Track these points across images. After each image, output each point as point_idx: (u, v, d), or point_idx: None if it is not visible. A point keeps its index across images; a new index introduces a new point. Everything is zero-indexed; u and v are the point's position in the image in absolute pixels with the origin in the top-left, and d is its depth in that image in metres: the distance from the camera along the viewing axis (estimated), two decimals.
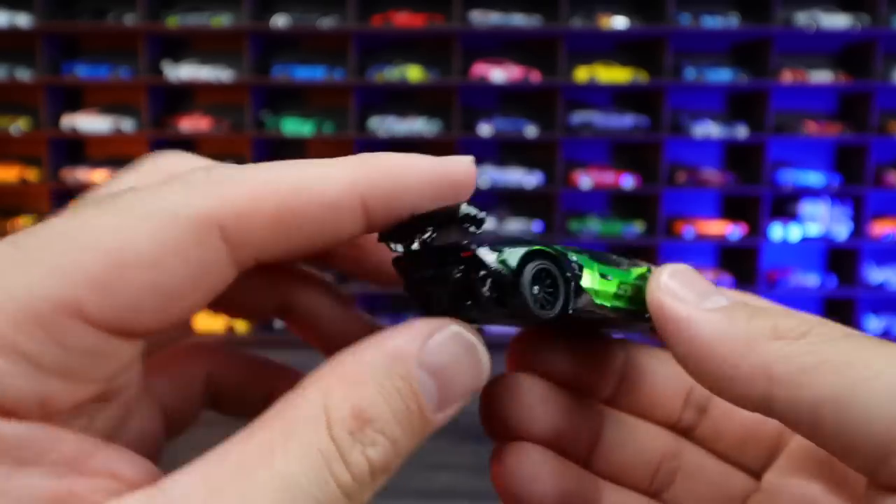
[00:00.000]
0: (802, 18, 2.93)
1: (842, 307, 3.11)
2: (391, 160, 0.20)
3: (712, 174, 3.02)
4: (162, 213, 0.16)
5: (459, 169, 0.21)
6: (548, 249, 0.21)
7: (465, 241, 0.20)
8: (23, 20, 2.96)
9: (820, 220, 3.05)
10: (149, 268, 0.16)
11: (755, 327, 0.19)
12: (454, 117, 3.00)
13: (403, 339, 0.18)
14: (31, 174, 3.08)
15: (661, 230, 3.01)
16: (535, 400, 0.23)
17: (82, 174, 3.03)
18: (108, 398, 0.17)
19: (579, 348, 0.24)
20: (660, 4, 2.96)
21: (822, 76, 2.99)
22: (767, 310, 0.20)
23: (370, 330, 0.21)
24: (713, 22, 2.96)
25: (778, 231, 3.02)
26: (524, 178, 3.03)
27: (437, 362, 0.18)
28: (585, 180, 3.02)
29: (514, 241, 0.21)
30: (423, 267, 0.21)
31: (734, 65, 3.11)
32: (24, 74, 3.02)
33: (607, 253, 0.24)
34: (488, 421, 0.24)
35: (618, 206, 3.24)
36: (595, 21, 2.98)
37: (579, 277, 0.22)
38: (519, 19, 2.99)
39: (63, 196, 3.09)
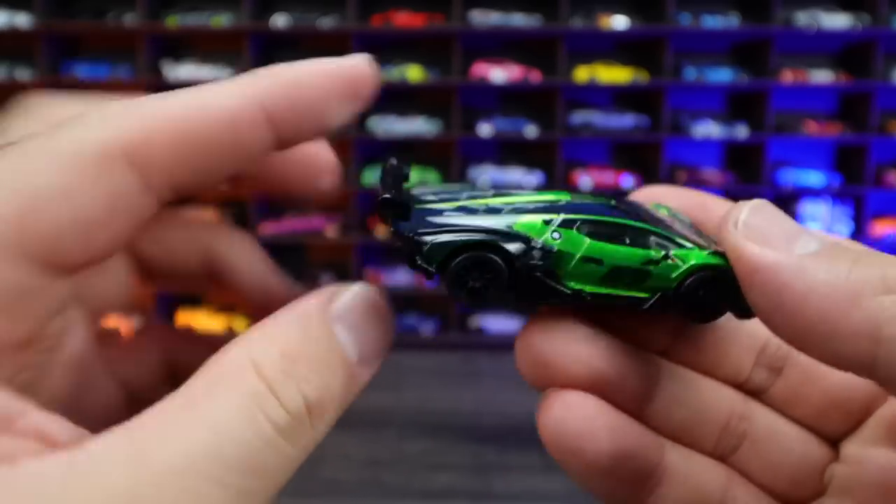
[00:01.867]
0: (802, 18, 2.93)
1: None
2: (287, 69, 0.20)
3: (712, 174, 3.02)
4: (68, 149, 0.16)
5: (356, 68, 0.21)
6: (487, 240, 0.21)
7: (410, 232, 0.21)
8: (23, 20, 2.96)
9: (820, 220, 3.05)
10: (63, 201, 0.16)
11: (861, 277, 0.16)
12: (454, 117, 3.00)
13: (317, 299, 0.19)
14: None
15: None
16: (579, 339, 0.21)
17: None
18: (41, 346, 0.17)
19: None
20: (660, 4, 2.96)
21: (822, 76, 2.99)
22: (872, 256, 0.17)
23: (293, 294, 0.21)
24: (713, 22, 2.96)
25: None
26: (524, 178, 3.03)
27: (350, 318, 0.19)
28: (585, 180, 3.02)
29: (475, 214, 0.21)
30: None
31: (734, 65, 3.11)
32: (24, 74, 3.02)
33: (637, 225, 0.22)
34: (528, 363, 0.21)
35: None
36: (595, 21, 2.98)
37: (536, 264, 0.21)
38: (519, 19, 2.99)
39: None
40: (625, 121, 3.03)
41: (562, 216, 0.21)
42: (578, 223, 0.21)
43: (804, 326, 0.17)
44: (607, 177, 3.03)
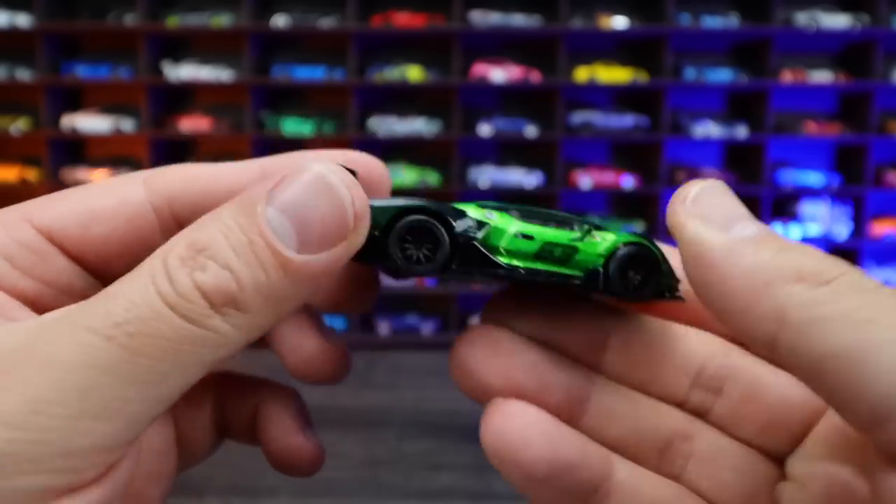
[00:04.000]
0: (802, 18, 2.93)
1: None
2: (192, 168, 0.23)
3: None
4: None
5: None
6: (429, 206, 0.22)
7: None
8: (23, 20, 2.96)
9: (820, 220, 3.05)
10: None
11: (779, 264, 0.18)
12: (454, 117, 3.00)
13: (258, 186, 0.18)
14: (31, 174, 3.08)
15: (662, 230, 3.01)
16: (500, 352, 0.22)
17: (82, 174, 3.03)
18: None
19: (558, 310, 0.24)
20: (660, 4, 2.96)
21: (822, 76, 2.99)
22: (796, 249, 0.18)
23: (316, 450, 0.25)
24: (713, 22, 2.96)
25: (778, 231, 3.02)
26: (524, 178, 3.03)
27: (289, 200, 0.18)
28: (585, 180, 3.02)
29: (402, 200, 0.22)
30: None
31: (734, 65, 3.11)
32: (24, 74, 3.02)
33: (559, 214, 0.24)
34: (460, 374, 0.22)
35: (618, 206, 3.24)
36: (595, 21, 2.98)
37: (474, 236, 0.22)
38: (519, 19, 2.99)
39: None
40: (625, 121, 3.03)
41: (493, 203, 0.24)
42: (509, 209, 0.24)
43: (724, 303, 0.18)
44: (607, 177, 3.03)
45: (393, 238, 0.21)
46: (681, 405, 0.23)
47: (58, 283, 0.20)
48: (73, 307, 0.17)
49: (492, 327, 0.23)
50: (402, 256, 0.21)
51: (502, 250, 0.22)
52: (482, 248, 0.22)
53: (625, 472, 0.22)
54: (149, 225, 0.21)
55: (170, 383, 0.17)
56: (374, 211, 0.21)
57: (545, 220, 0.24)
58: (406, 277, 0.24)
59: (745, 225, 0.19)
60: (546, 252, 0.23)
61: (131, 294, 0.17)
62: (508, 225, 0.23)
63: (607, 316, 0.24)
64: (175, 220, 0.21)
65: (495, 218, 0.23)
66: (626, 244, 0.23)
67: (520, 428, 0.21)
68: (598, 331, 0.23)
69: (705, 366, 0.23)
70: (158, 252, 0.17)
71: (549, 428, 0.21)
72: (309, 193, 0.18)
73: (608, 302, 0.24)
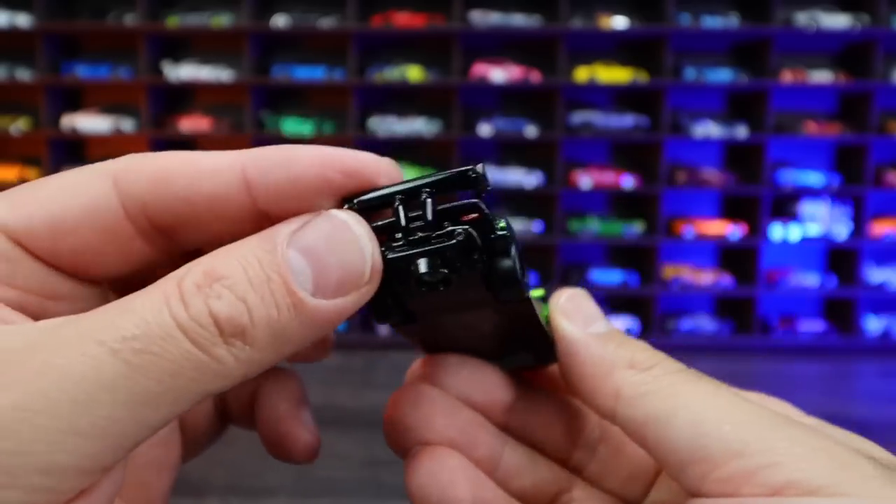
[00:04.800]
0: (802, 18, 2.93)
1: (842, 307, 3.11)
2: (281, 149, 0.21)
3: (712, 174, 3.02)
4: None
5: (360, 162, 0.20)
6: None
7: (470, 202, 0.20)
8: (23, 20, 2.96)
9: (820, 220, 3.05)
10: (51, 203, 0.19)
11: (618, 355, 0.23)
12: (454, 117, 3.00)
13: (282, 225, 0.19)
14: (32, 174, 3.08)
15: (661, 230, 3.01)
16: (446, 410, 0.25)
17: None
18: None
19: (476, 371, 0.26)
20: (660, 4, 2.96)
21: (822, 76, 2.99)
22: (630, 343, 0.24)
23: (311, 438, 0.26)
24: (713, 22, 2.96)
25: (778, 231, 3.02)
26: (524, 178, 3.03)
27: (311, 244, 0.18)
28: (585, 180, 3.02)
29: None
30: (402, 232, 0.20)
31: (734, 65, 3.11)
32: (24, 74, 3.02)
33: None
34: (400, 431, 0.25)
35: (618, 206, 3.24)
36: (595, 21, 2.98)
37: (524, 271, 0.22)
38: (519, 19, 2.99)
39: None
40: (625, 121, 3.03)
41: None
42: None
43: (581, 383, 0.24)
44: (607, 177, 3.03)
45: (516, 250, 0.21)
46: (566, 464, 0.27)
47: (40, 289, 0.20)
48: (77, 317, 0.17)
49: (427, 386, 0.25)
50: (521, 271, 0.21)
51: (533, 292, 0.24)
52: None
53: None
54: (123, 230, 0.20)
55: (161, 410, 0.17)
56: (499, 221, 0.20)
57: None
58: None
59: (599, 324, 0.25)
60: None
61: (143, 312, 0.16)
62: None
63: (511, 381, 0.27)
64: (150, 224, 0.20)
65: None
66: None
67: (449, 471, 0.24)
68: (506, 395, 0.26)
69: (585, 426, 0.27)
70: (174, 275, 0.17)
71: (473, 475, 0.24)
72: (331, 240, 0.18)
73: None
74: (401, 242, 0.20)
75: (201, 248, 0.21)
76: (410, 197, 0.20)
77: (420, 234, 0.19)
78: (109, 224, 0.20)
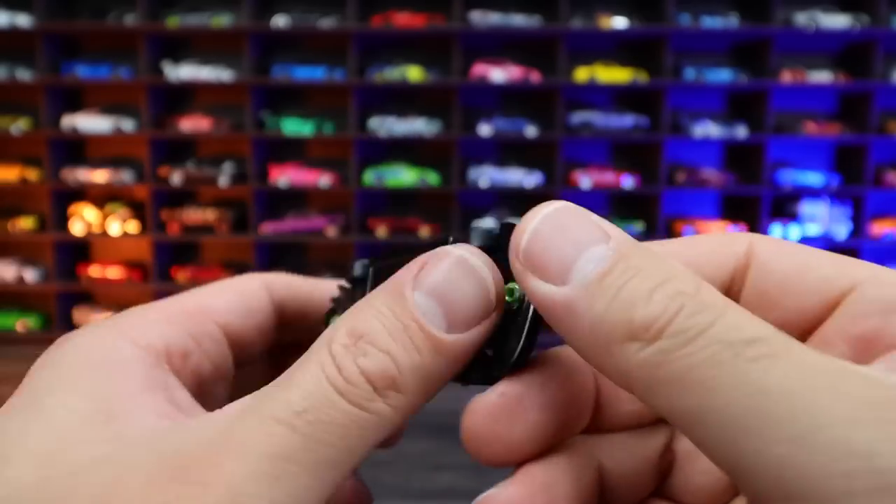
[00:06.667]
0: (802, 18, 2.93)
1: None
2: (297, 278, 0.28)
3: (712, 174, 3.02)
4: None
5: None
6: None
7: None
8: (23, 20, 2.97)
9: (820, 221, 3.05)
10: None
11: (612, 320, 0.16)
12: (454, 117, 3.00)
13: (403, 272, 0.19)
14: (32, 174, 3.09)
15: (661, 230, 3.01)
16: (529, 423, 0.20)
17: (83, 174, 3.03)
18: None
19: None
20: (660, 4, 2.96)
21: (821, 76, 2.99)
22: (631, 286, 0.16)
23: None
24: (713, 22, 2.96)
25: (778, 231, 3.02)
26: (524, 178, 3.03)
27: (434, 283, 0.19)
28: (585, 180, 3.02)
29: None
30: None
31: (734, 65, 3.12)
32: (24, 74, 3.02)
33: None
34: (484, 445, 0.20)
35: (618, 206, 3.25)
36: (595, 21, 2.98)
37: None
38: (519, 19, 2.99)
39: (63, 196, 3.09)
40: (625, 121, 3.03)
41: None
42: None
43: (584, 358, 0.17)
44: (607, 177, 3.03)
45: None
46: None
47: (220, 367, 0.24)
48: (252, 398, 0.18)
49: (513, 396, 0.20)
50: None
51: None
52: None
53: None
54: (270, 320, 0.26)
55: (339, 468, 0.18)
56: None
57: None
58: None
59: (584, 264, 0.17)
60: None
61: (305, 383, 0.18)
62: None
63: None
64: (280, 319, 0.27)
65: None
66: None
67: (557, 483, 0.20)
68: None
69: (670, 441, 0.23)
70: (322, 341, 0.19)
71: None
72: (453, 276, 0.19)
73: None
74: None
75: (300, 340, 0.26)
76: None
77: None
78: (269, 314, 0.26)
